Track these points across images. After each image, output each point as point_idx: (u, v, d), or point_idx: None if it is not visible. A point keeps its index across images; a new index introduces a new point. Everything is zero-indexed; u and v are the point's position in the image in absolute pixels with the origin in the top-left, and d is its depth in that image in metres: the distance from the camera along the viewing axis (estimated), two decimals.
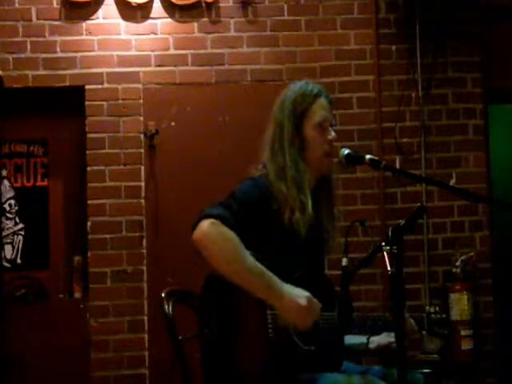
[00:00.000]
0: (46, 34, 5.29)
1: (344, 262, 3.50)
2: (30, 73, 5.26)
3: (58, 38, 5.29)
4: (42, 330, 5.14)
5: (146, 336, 5.15)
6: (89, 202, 5.21)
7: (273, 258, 2.74)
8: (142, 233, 5.22)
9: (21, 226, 5.36)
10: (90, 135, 5.26)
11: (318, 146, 2.92)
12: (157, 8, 5.33)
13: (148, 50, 5.33)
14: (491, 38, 5.43)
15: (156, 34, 5.34)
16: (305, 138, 2.91)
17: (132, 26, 5.33)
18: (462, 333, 4.78)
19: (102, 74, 5.29)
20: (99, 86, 5.28)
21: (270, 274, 2.68)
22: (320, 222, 2.94)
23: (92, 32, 5.31)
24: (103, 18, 5.32)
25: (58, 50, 5.28)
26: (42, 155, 5.42)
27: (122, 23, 5.32)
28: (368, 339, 2.96)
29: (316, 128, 2.92)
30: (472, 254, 5.19)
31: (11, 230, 5.35)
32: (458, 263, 5.07)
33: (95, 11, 5.31)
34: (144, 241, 5.22)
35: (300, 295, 2.69)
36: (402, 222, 2.53)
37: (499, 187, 5.82)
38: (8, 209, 5.35)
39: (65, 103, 5.36)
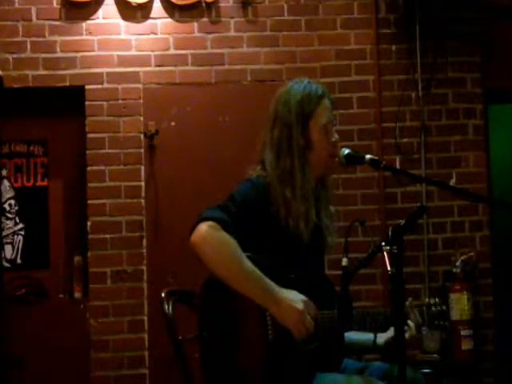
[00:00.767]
0: (46, 34, 5.28)
1: (344, 261, 3.51)
2: (30, 73, 5.26)
3: (58, 38, 5.29)
4: (42, 330, 5.14)
5: (145, 336, 5.15)
6: (89, 201, 5.21)
7: (272, 259, 2.73)
8: (142, 233, 5.22)
9: (21, 225, 5.36)
10: (90, 135, 5.26)
11: (324, 148, 2.90)
12: (157, 8, 5.33)
13: (148, 50, 5.33)
14: (491, 38, 5.43)
15: (156, 33, 5.34)
16: (311, 139, 2.89)
17: (132, 25, 5.33)
18: (462, 333, 4.78)
19: (102, 73, 5.29)
20: (99, 86, 5.28)
21: (266, 279, 2.67)
22: (319, 219, 2.93)
23: (92, 32, 5.30)
24: (103, 18, 5.32)
25: (58, 49, 5.28)
26: (42, 155, 5.41)
27: (122, 23, 5.32)
28: (375, 335, 2.94)
29: (321, 130, 2.90)
30: (472, 253, 5.18)
31: (11, 230, 5.35)
32: (458, 263, 5.06)
33: (95, 11, 5.31)
34: (144, 241, 5.22)
35: (297, 300, 2.69)
36: (402, 221, 2.53)
37: (499, 187, 5.81)
38: (8, 209, 5.35)
39: (65, 103, 5.36)
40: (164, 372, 4.98)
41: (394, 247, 2.48)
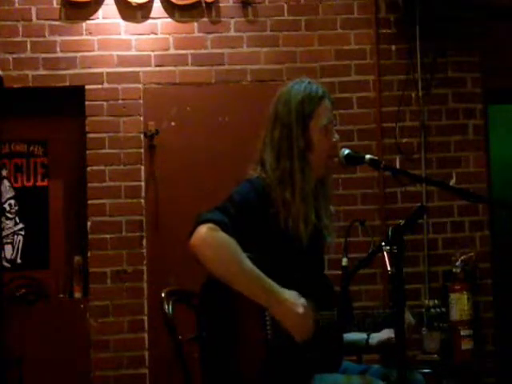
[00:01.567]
0: (46, 34, 5.28)
1: (344, 261, 3.51)
2: (30, 73, 5.26)
3: (58, 38, 5.29)
4: (42, 330, 5.14)
5: (145, 336, 5.15)
6: (89, 201, 5.21)
7: (271, 260, 2.73)
8: (142, 233, 5.21)
9: (21, 225, 5.36)
10: (89, 135, 5.26)
11: (324, 149, 2.90)
12: (157, 8, 5.33)
13: (148, 49, 5.33)
14: (491, 38, 5.43)
15: (156, 33, 5.34)
16: (311, 140, 2.88)
17: (132, 25, 5.32)
18: (462, 333, 4.78)
19: (102, 73, 5.29)
20: (99, 86, 5.28)
21: (267, 279, 2.67)
22: (318, 221, 2.93)
23: (92, 32, 5.30)
24: (103, 18, 5.32)
25: (58, 49, 5.28)
26: (42, 155, 5.41)
27: (122, 23, 5.32)
28: (368, 335, 2.95)
29: (322, 130, 2.89)
30: (472, 254, 5.18)
31: (11, 230, 5.35)
32: (458, 263, 5.06)
33: (95, 11, 5.31)
34: (144, 241, 5.22)
35: (298, 302, 2.68)
36: (402, 221, 2.53)
37: (499, 187, 5.81)
38: (8, 209, 5.35)
39: (65, 103, 5.36)
40: (164, 372, 4.98)
41: (394, 247, 2.48)
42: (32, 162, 5.40)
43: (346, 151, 2.85)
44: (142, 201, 5.24)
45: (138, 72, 5.31)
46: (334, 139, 2.93)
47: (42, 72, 5.26)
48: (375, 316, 2.84)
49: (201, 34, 5.36)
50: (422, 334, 4.73)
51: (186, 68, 5.34)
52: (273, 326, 2.69)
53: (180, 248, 4.78)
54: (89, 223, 5.20)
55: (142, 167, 5.27)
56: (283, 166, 2.85)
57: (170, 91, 5.33)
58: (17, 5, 5.29)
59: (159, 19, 5.34)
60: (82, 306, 5.20)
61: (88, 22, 5.31)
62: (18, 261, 5.34)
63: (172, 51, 5.34)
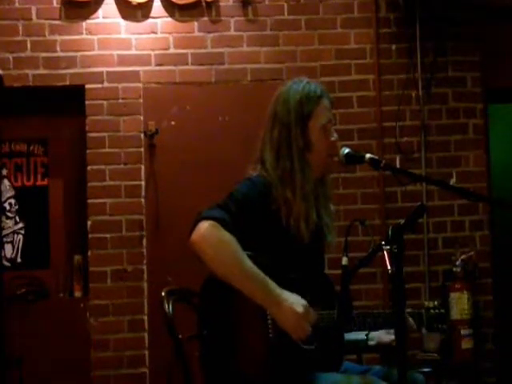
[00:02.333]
0: (46, 34, 5.28)
1: (344, 261, 3.50)
2: (30, 72, 5.26)
3: (58, 38, 5.29)
4: (42, 329, 5.13)
5: (146, 335, 5.15)
6: (89, 201, 5.21)
7: (272, 258, 2.73)
8: (142, 232, 5.22)
9: (21, 225, 5.36)
10: (90, 134, 5.26)
11: (323, 148, 2.90)
12: (157, 7, 5.33)
13: (148, 49, 5.33)
14: (491, 37, 5.43)
15: (156, 33, 5.34)
16: (310, 139, 2.88)
17: (132, 25, 5.32)
18: (462, 332, 4.78)
19: (102, 73, 5.29)
20: (99, 86, 5.28)
21: (267, 279, 2.67)
22: (319, 220, 2.93)
23: (92, 31, 5.30)
24: (103, 18, 5.32)
25: (58, 49, 5.28)
26: (42, 154, 5.42)
27: (122, 22, 5.32)
28: (367, 335, 2.95)
29: (321, 130, 2.89)
30: (472, 253, 5.18)
31: (11, 230, 5.35)
32: (458, 262, 5.06)
33: (95, 10, 5.31)
34: (144, 240, 5.22)
35: (297, 303, 2.68)
36: (402, 221, 2.53)
37: (499, 186, 5.81)
38: (8, 208, 5.35)
39: (65, 102, 5.36)
40: (164, 371, 4.97)
41: (394, 246, 2.48)
42: (32, 162, 5.40)
43: (346, 150, 2.85)
44: (142, 200, 5.24)
45: (138, 71, 5.31)
46: (333, 138, 2.93)
47: (42, 71, 5.26)
48: (375, 316, 2.84)
49: (201, 34, 5.36)
50: (421, 334, 4.73)
51: (186, 67, 5.35)
52: (274, 325, 2.69)
53: (180, 247, 4.79)
54: (89, 222, 5.20)
55: (142, 166, 5.27)
56: (283, 165, 2.85)
57: (170, 90, 5.33)
58: (17, 4, 5.29)
59: (159, 18, 5.34)
60: (82, 305, 5.20)
61: (88, 21, 5.31)
62: (18, 260, 5.34)
63: (172, 50, 5.34)
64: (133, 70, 5.30)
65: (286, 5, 5.40)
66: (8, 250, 5.32)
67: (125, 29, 5.32)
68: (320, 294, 2.76)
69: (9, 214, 5.35)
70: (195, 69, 5.35)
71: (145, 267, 5.20)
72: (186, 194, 5.21)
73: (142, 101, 5.29)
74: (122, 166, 5.25)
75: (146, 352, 5.14)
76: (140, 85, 5.31)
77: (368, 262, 2.75)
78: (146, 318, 5.16)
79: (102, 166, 5.23)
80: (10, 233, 5.34)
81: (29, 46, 5.27)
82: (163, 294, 3.00)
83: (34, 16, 5.29)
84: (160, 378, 5.08)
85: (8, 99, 5.20)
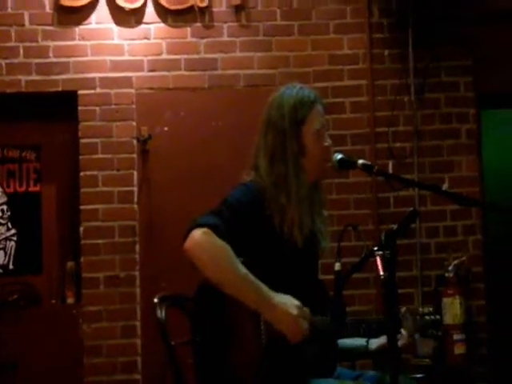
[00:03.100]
0: (39, 39, 5.28)
1: (337, 266, 3.51)
2: (22, 78, 5.26)
3: (51, 43, 5.28)
4: (35, 336, 5.12)
5: (138, 341, 5.14)
6: (81, 207, 5.21)
7: (266, 264, 2.73)
8: (135, 238, 5.21)
9: (13, 231, 5.35)
10: (82, 140, 5.25)
11: (317, 153, 2.90)
12: (150, 13, 5.34)
13: (141, 54, 5.33)
14: (484, 43, 5.44)
15: (149, 38, 5.34)
16: (304, 145, 2.88)
17: (125, 30, 5.32)
18: (455, 337, 4.78)
19: (94, 78, 5.28)
20: (92, 91, 5.28)
21: (261, 284, 2.66)
22: (313, 226, 2.93)
23: (85, 37, 5.30)
24: (96, 23, 5.32)
25: (51, 55, 5.28)
26: (35, 160, 5.41)
27: (115, 28, 5.32)
28: (367, 341, 2.95)
29: (315, 135, 2.90)
30: (465, 258, 5.19)
31: (3, 236, 5.34)
32: (450, 267, 5.06)
33: (88, 16, 5.31)
34: (137, 246, 5.22)
35: (291, 305, 2.68)
36: (394, 226, 2.53)
37: (492, 191, 5.83)
38: (0, 214, 5.34)
39: (58, 108, 5.35)
40: (157, 377, 4.97)
41: (387, 252, 2.48)
42: (25, 168, 5.39)
43: (339, 156, 2.86)
44: (135, 206, 5.24)
45: (131, 77, 5.31)
46: (327, 144, 2.94)
47: (34, 77, 5.26)
48: (370, 322, 2.85)
49: (194, 39, 5.37)
50: (415, 340, 4.73)
51: (179, 73, 5.35)
52: (267, 331, 2.69)
53: (173, 253, 4.80)
54: (81, 228, 5.19)
55: (135, 172, 5.26)
56: (277, 170, 2.85)
57: (163, 96, 5.33)
58: (9, 10, 5.28)
59: (152, 24, 5.34)
60: (74, 311, 5.19)
61: (81, 27, 5.31)
62: (11, 266, 5.33)
63: (165, 56, 5.34)
64: (125, 75, 5.30)
65: (278, 10, 5.41)
66: (0, 257, 5.31)
67: (118, 34, 5.32)
68: (314, 300, 2.76)
69: (1, 221, 5.34)
70: (188, 74, 5.35)
71: (137, 273, 5.19)
72: (179, 199, 5.21)
73: (134, 106, 5.29)
74: (114, 171, 5.24)
75: (139, 358, 5.14)
76: (133, 90, 5.31)
77: (361, 267, 2.76)
78: (138, 324, 5.15)
79: (95, 172, 5.23)
80: (3, 239, 5.33)
81: (21, 51, 5.27)
82: (156, 299, 3.00)
83: (26, 22, 5.28)
84: None
85: (0, 105, 5.21)
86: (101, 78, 5.29)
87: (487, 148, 5.73)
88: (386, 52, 5.45)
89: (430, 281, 5.28)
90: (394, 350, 2.46)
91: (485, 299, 5.33)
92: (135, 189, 5.25)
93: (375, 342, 2.98)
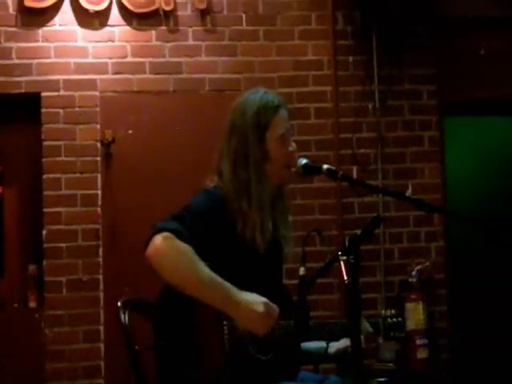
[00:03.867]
0: (2, 40, 5.23)
1: (301, 271, 3.51)
2: None
3: (14, 45, 5.24)
4: None
5: (101, 346, 5.11)
6: (44, 210, 5.17)
7: (229, 270, 2.73)
8: (98, 241, 5.19)
9: None
10: (45, 143, 5.22)
11: (280, 159, 2.90)
12: (114, 16, 5.32)
13: (105, 57, 5.31)
14: (447, 51, 5.50)
15: (113, 41, 5.32)
16: (267, 150, 2.88)
17: (89, 33, 5.30)
18: (418, 342, 4.82)
19: (58, 81, 5.25)
20: (55, 93, 5.25)
21: (226, 283, 2.67)
22: (276, 229, 2.93)
23: (48, 39, 5.27)
24: (60, 25, 5.28)
25: (14, 56, 5.23)
26: None
27: (79, 30, 5.29)
28: (327, 344, 2.97)
29: (278, 140, 2.90)
30: (427, 263, 5.24)
31: None
32: (413, 273, 5.11)
33: (52, 18, 5.27)
34: (100, 250, 5.19)
35: (257, 301, 2.69)
36: (358, 231, 2.55)
37: (454, 198, 5.89)
38: None
39: (20, 110, 5.31)
40: (120, 382, 4.95)
41: (351, 257, 2.50)
42: None
43: (304, 161, 2.87)
44: (99, 209, 5.21)
45: (95, 79, 5.28)
46: (291, 149, 2.94)
47: None
48: (332, 325, 2.86)
49: (159, 43, 5.36)
50: (378, 343, 4.77)
51: (144, 76, 5.34)
52: (230, 335, 2.70)
53: (136, 257, 4.78)
54: (44, 232, 5.15)
55: (99, 175, 5.24)
56: (240, 176, 2.85)
57: (128, 99, 5.31)
58: None
59: (117, 27, 5.32)
60: (37, 315, 5.15)
61: (44, 28, 5.27)
62: None
63: (129, 59, 5.33)
64: (90, 78, 5.28)
65: (244, 15, 5.43)
66: None
67: (82, 37, 5.29)
68: (278, 305, 2.77)
69: None
70: (153, 78, 5.34)
71: (101, 277, 5.16)
72: (143, 203, 5.19)
73: (98, 109, 5.27)
74: (78, 174, 5.21)
75: (102, 363, 5.11)
76: (97, 93, 5.28)
77: (325, 272, 2.77)
78: (101, 328, 5.13)
79: (58, 175, 5.19)
80: None
81: None
82: (119, 304, 2.99)
83: None
84: None
85: None
86: (64, 80, 5.26)
87: (450, 155, 5.79)
88: (351, 59, 5.49)
89: (393, 286, 5.32)
90: (357, 354, 2.48)
91: (447, 305, 5.38)
92: (99, 192, 5.23)
93: (335, 346, 2.99)
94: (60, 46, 5.27)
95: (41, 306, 5.16)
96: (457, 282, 5.59)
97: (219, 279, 2.66)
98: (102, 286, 5.16)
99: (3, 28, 5.24)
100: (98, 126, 5.26)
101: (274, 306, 2.72)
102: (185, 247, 2.65)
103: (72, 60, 5.28)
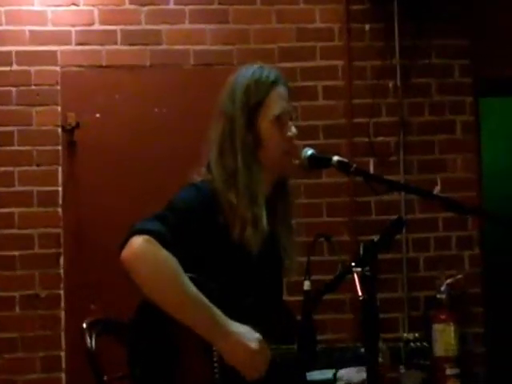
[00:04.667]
0: None
1: (306, 285, 3.52)
2: None
3: None
4: None
5: (62, 376, 5.13)
6: None
7: (220, 281, 2.74)
8: (59, 249, 5.19)
9: None
10: None
11: (276, 144, 2.91)
12: None
13: (67, 24, 5.31)
14: (483, 18, 5.50)
15: (77, 5, 5.33)
16: (260, 134, 2.89)
17: None
18: (448, 371, 4.84)
19: (10, 53, 5.26)
20: (7, 69, 5.26)
21: (213, 307, 2.67)
22: (276, 238, 2.94)
23: None
24: None
25: None
26: None
27: None
28: (335, 374, 2.98)
29: (273, 122, 2.91)
30: (460, 276, 5.25)
31: None
32: (443, 288, 5.13)
33: None
34: (61, 259, 5.20)
35: (250, 337, 2.70)
36: (376, 237, 2.56)
37: (492, 196, 5.90)
38: None
39: None
40: None
41: (367, 268, 2.50)
42: None
43: (310, 152, 2.87)
44: (59, 210, 5.22)
45: (55, 51, 5.29)
46: (290, 133, 2.94)
47: None
48: (343, 350, 2.87)
49: (133, 7, 5.37)
50: (399, 373, 4.78)
51: (115, 47, 5.34)
52: (221, 363, 2.70)
53: (106, 268, 4.79)
54: None
55: (60, 168, 5.25)
56: (226, 164, 2.87)
57: (95, 75, 5.32)
58: None
59: None
60: None
61: None
62: None
63: (97, 26, 5.34)
64: (48, 49, 5.29)
65: None
66: None
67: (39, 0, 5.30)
68: (277, 325, 2.78)
69: None
70: (126, 49, 5.35)
71: (62, 292, 5.17)
72: (114, 202, 5.20)
73: (59, 88, 5.28)
74: (34, 167, 5.22)
75: None
76: (57, 68, 5.29)
77: (335, 286, 2.77)
78: (63, 354, 5.14)
79: (10, 168, 5.20)
80: None
81: None
82: (85, 325, 3.00)
83: None
84: None
85: None
86: (18, 53, 5.26)
87: (487, 144, 5.80)
88: (367, 27, 5.50)
89: (418, 303, 5.34)
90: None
91: (483, 326, 5.39)
92: (59, 188, 5.23)
93: (344, 376, 3.00)
94: (12, 11, 5.28)
95: None
96: (495, 299, 5.60)
97: (206, 300, 2.67)
98: (63, 304, 5.16)
99: None
100: (59, 109, 5.27)
101: (266, 346, 2.72)
102: (166, 254, 2.65)
103: (27, 28, 5.28)
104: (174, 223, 2.71)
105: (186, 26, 5.40)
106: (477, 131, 5.58)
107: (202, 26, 5.41)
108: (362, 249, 2.54)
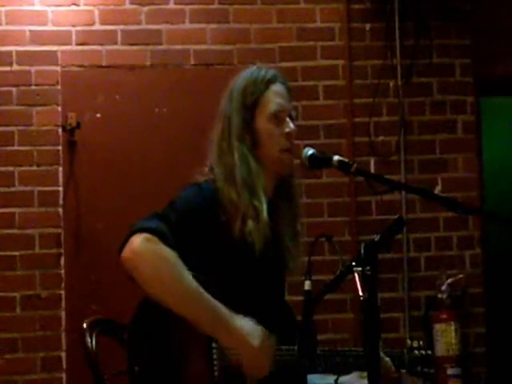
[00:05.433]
0: None
1: (307, 285, 3.51)
2: None
3: None
4: None
5: (63, 376, 5.12)
6: None
7: (221, 281, 2.73)
8: (60, 249, 5.19)
9: None
10: None
11: (274, 141, 2.93)
12: None
13: (68, 24, 5.31)
14: (484, 17, 5.50)
15: (78, 5, 5.32)
16: (257, 131, 2.92)
17: None
18: (449, 371, 4.82)
19: (10, 53, 5.26)
20: (7, 69, 5.25)
21: (216, 302, 2.68)
22: (279, 238, 2.94)
23: None
24: None
25: None
26: None
27: None
28: (336, 381, 2.97)
29: (271, 119, 2.93)
30: (461, 276, 5.24)
31: None
32: (444, 287, 5.11)
33: None
34: (62, 259, 5.19)
35: (254, 333, 2.69)
36: (376, 237, 2.55)
37: (493, 196, 5.89)
38: None
39: None
40: None
41: (367, 268, 2.50)
42: None
43: (310, 151, 2.87)
44: (60, 210, 5.22)
45: (56, 51, 5.29)
46: (288, 129, 2.95)
47: None
48: (346, 355, 2.86)
49: (133, 6, 5.36)
50: (401, 374, 4.76)
51: (115, 47, 5.34)
52: (220, 362, 2.70)
53: (106, 268, 4.79)
54: None
55: (60, 168, 5.24)
56: (225, 162, 2.90)
57: (95, 75, 5.32)
58: None
59: None
60: None
61: None
62: None
63: (97, 26, 5.33)
64: (49, 49, 5.28)
65: None
66: None
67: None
68: (278, 325, 2.78)
69: None
70: (126, 49, 5.34)
71: (63, 292, 5.17)
72: (114, 202, 5.20)
73: (60, 88, 5.27)
74: (34, 167, 5.22)
75: None
76: (58, 68, 5.29)
77: (336, 286, 2.77)
78: (63, 354, 5.13)
79: (11, 168, 5.20)
80: None
81: None
82: (85, 325, 3.00)
83: None
84: None
85: None
86: (18, 53, 5.26)
87: (488, 143, 5.79)
88: (368, 26, 5.50)
89: (419, 303, 5.33)
90: None
91: (485, 326, 5.39)
92: (60, 188, 5.23)
93: (345, 382, 3.00)
94: (13, 11, 5.27)
95: None
96: (497, 299, 5.60)
97: (208, 295, 2.67)
98: (63, 304, 5.16)
99: None
100: (60, 109, 5.27)
101: (272, 342, 2.71)
102: (168, 251, 2.67)
103: (27, 28, 5.28)
104: (174, 222, 2.72)
105: (187, 25, 5.40)
106: (478, 131, 5.58)
107: (203, 25, 5.40)
108: (362, 248, 2.53)
